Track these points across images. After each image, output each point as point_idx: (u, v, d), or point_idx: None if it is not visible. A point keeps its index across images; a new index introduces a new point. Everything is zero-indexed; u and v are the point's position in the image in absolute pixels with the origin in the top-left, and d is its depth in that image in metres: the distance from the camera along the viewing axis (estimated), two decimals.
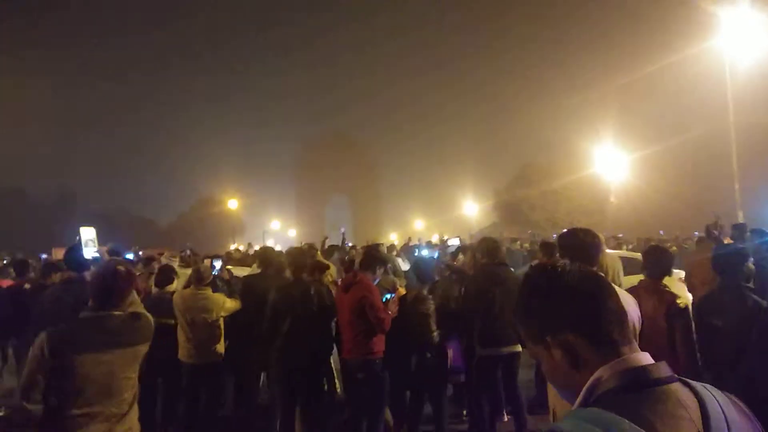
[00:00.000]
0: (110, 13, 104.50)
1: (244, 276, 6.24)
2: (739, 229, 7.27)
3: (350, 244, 10.83)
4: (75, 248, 5.25)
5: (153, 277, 5.66)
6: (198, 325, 5.03)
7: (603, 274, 3.15)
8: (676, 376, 1.01)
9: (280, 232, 61.07)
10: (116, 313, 2.62)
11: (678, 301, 3.42)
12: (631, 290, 3.42)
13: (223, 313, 5.20)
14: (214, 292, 5.29)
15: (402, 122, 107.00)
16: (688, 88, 29.69)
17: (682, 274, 6.38)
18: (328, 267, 5.43)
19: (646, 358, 1.03)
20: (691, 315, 3.39)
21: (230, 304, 5.28)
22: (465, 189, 57.13)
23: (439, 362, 4.75)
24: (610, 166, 32.57)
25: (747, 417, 1.03)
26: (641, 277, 3.74)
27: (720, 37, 18.41)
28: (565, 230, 3.09)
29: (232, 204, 44.96)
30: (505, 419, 5.35)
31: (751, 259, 3.43)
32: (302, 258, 5.04)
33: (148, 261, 6.90)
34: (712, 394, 1.00)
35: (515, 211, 45.43)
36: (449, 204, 60.57)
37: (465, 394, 5.47)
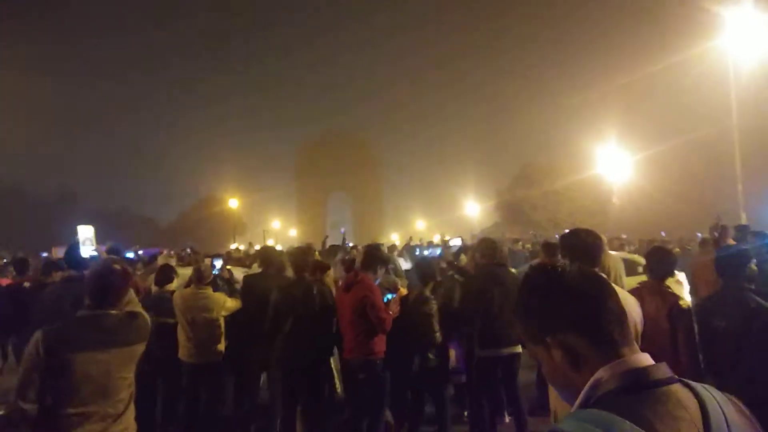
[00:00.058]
0: (111, 13, 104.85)
1: (245, 275, 6.23)
2: (741, 231, 7.25)
3: (351, 244, 10.81)
4: (75, 247, 5.25)
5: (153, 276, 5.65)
6: (198, 324, 5.02)
7: (605, 275, 3.14)
8: (676, 377, 1.00)
9: (281, 231, 61.12)
10: (113, 312, 2.60)
11: (680, 302, 3.41)
12: (634, 291, 3.41)
13: (223, 313, 5.19)
14: (214, 291, 5.28)
15: (403, 122, 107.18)
16: (691, 88, 29.60)
17: (680, 275, 6.37)
18: (329, 267, 5.41)
19: (646, 359, 1.02)
20: (693, 316, 3.38)
21: (231, 304, 5.27)
22: (466, 189, 57.11)
23: (440, 363, 4.74)
24: (612, 166, 32.50)
25: (746, 418, 1.03)
26: (639, 278, 3.72)
27: (724, 38, 18.33)
28: (567, 231, 3.07)
29: (233, 203, 44.91)
30: (506, 420, 5.33)
31: (754, 260, 3.41)
32: (304, 257, 5.03)
33: (150, 260, 6.90)
34: (712, 395, 1.00)
35: (517, 211, 45.38)
36: (451, 204, 60.58)
37: (466, 394, 5.45)
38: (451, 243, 12.93)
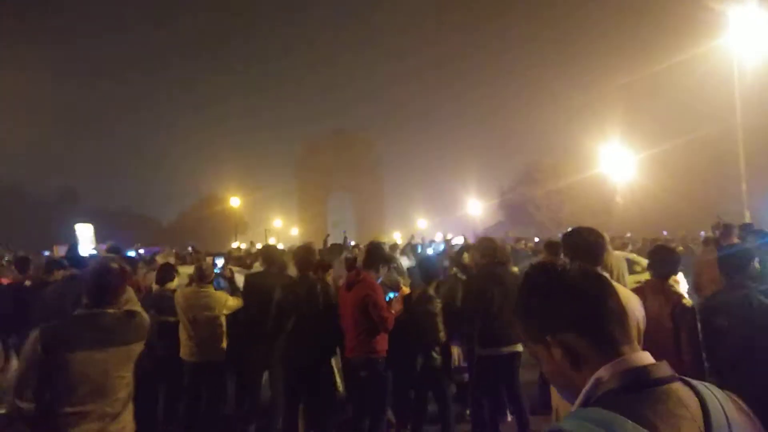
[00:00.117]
0: (111, 12, 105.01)
1: (248, 274, 6.23)
2: (746, 230, 7.22)
3: (353, 243, 10.80)
4: (77, 245, 5.25)
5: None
6: (200, 323, 5.02)
7: (607, 274, 3.11)
8: (676, 375, 1.00)
9: (283, 230, 61.14)
10: (110, 311, 2.59)
11: (683, 300, 3.40)
12: (637, 290, 3.41)
13: (225, 312, 5.18)
14: (216, 290, 5.28)
15: (405, 120, 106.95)
16: (695, 87, 29.45)
17: (678, 274, 6.35)
18: (330, 266, 5.41)
19: (646, 358, 1.02)
20: (696, 315, 3.37)
21: (232, 302, 5.27)
22: (469, 187, 56.97)
23: (444, 362, 4.73)
24: (616, 165, 32.42)
25: (747, 415, 1.03)
26: (636, 277, 3.71)
27: (728, 36, 18.25)
28: (569, 229, 3.05)
29: (234, 202, 44.88)
30: (508, 419, 5.31)
31: (757, 259, 3.39)
32: (308, 256, 5.01)
33: (151, 259, 6.90)
34: (712, 393, 1.00)
35: (520, 210, 45.36)
36: (453, 203, 60.50)
37: (468, 393, 5.44)
38: (453, 242, 12.91)
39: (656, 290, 3.50)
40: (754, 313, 3.11)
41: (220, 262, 6.26)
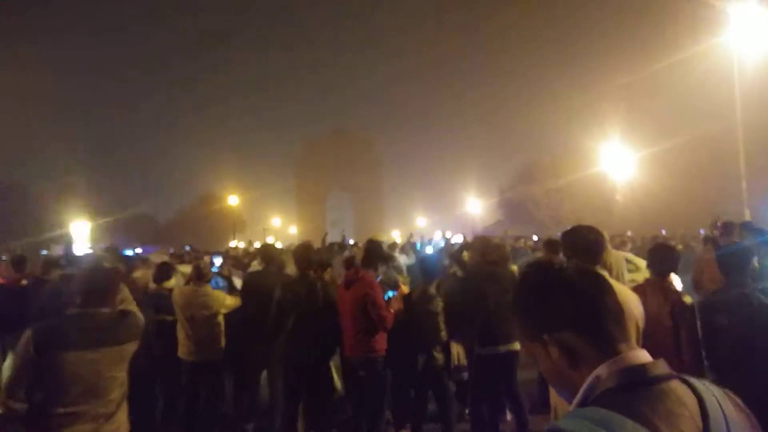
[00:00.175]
0: (111, 11, 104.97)
1: (247, 273, 6.21)
2: (745, 228, 7.21)
3: (352, 242, 10.79)
4: (72, 244, 5.22)
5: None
6: (198, 322, 5.00)
7: (606, 273, 3.09)
8: (674, 373, 1.00)
9: (281, 228, 61.11)
10: (103, 310, 2.57)
11: (684, 299, 3.39)
12: (637, 288, 3.40)
13: (223, 310, 5.16)
14: (213, 289, 5.26)
15: (405, 119, 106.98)
16: (695, 85, 29.43)
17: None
18: (329, 264, 5.39)
19: (644, 356, 1.02)
20: (696, 313, 3.35)
21: (230, 301, 5.26)
22: (468, 186, 56.94)
23: (445, 361, 4.71)
24: (615, 163, 32.40)
25: (744, 413, 1.03)
26: (634, 276, 3.69)
27: (728, 34, 18.22)
28: (568, 228, 3.03)
29: (233, 200, 44.78)
30: (508, 418, 5.30)
31: (756, 257, 3.38)
32: (308, 254, 4.98)
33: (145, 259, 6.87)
34: (710, 391, 1.00)
35: (520, 208, 45.31)
36: (453, 201, 60.50)
37: (468, 392, 5.42)
38: (453, 241, 12.91)
39: (656, 288, 3.49)
40: (753, 312, 3.10)
41: (218, 261, 6.24)
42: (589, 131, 36.38)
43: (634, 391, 0.95)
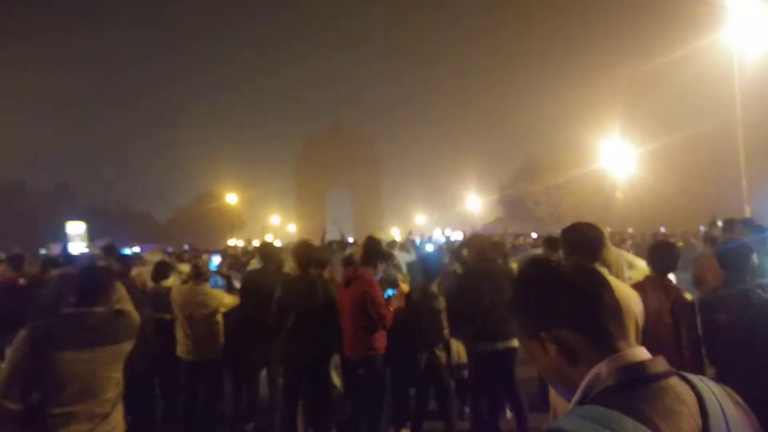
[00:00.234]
0: (110, 10, 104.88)
1: (246, 271, 6.19)
2: (746, 225, 7.20)
3: (351, 240, 10.77)
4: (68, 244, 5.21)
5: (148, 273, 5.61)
6: (196, 320, 4.99)
7: (606, 270, 3.06)
8: (673, 370, 0.99)
9: (280, 227, 61.10)
10: (98, 310, 2.55)
11: (684, 295, 3.38)
12: (637, 285, 3.40)
13: (222, 309, 5.15)
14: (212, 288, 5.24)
15: (404, 116, 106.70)
16: (695, 82, 29.43)
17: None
18: (327, 262, 5.37)
19: (643, 353, 1.01)
20: (696, 310, 3.34)
21: (229, 300, 5.24)
22: (468, 183, 56.96)
23: (447, 359, 4.70)
24: (615, 160, 32.41)
25: (743, 409, 1.03)
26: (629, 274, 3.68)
27: (728, 31, 18.19)
28: (568, 225, 3.01)
29: (231, 198, 44.79)
30: (508, 416, 5.29)
31: (755, 253, 3.37)
32: (309, 252, 4.96)
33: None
34: (709, 388, 1.00)
35: (519, 206, 45.34)
36: (452, 198, 60.50)
37: (467, 390, 5.41)
38: (453, 238, 12.92)
39: (656, 286, 3.48)
40: (753, 309, 3.10)
41: (216, 259, 6.22)
42: (589, 128, 36.37)
43: (633, 389, 0.94)
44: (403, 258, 7.81)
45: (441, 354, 4.67)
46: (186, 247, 8.53)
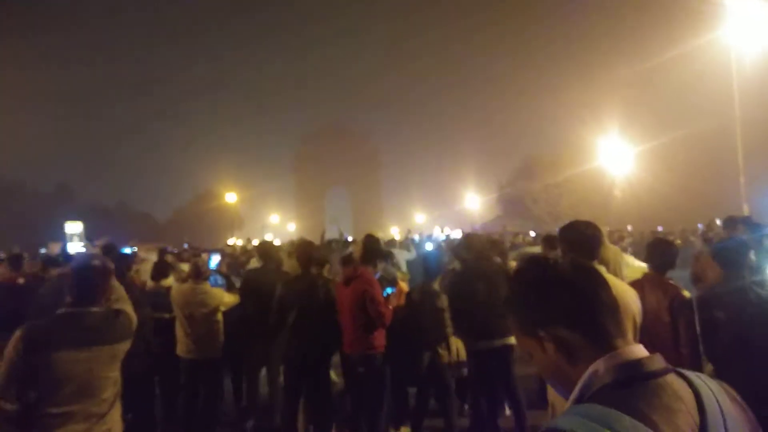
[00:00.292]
0: (111, 9, 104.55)
1: (246, 270, 6.19)
2: (744, 223, 7.21)
3: (350, 238, 10.77)
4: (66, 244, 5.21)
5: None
6: (196, 319, 4.99)
7: (604, 268, 3.07)
8: (670, 367, 0.99)
9: (280, 225, 61.03)
10: (94, 309, 2.54)
11: (682, 293, 3.38)
12: (635, 283, 3.39)
13: (222, 308, 5.15)
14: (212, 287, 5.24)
15: (403, 114, 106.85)
16: (693, 80, 29.45)
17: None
18: (327, 261, 5.37)
19: (640, 351, 1.01)
20: (694, 308, 3.35)
21: (229, 299, 5.24)
22: (467, 182, 56.99)
23: (448, 357, 4.71)
24: (614, 158, 32.38)
25: (740, 406, 1.03)
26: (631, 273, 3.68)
27: (726, 29, 18.19)
28: (566, 223, 3.02)
29: (231, 198, 44.62)
30: (507, 413, 5.30)
31: (752, 251, 3.37)
32: (310, 251, 4.96)
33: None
34: (706, 384, 1.00)
35: (518, 204, 45.31)
36: (451, 197, 60.50)
37: (467, 388, 5.42)
38: (452, 237, 12.92)
39: (654, 284, 3.49)
40: (751, 307, 3.10)
41: (215, 258, 6.23)
42: (588, 126, 36.34)
43: (631, 386, 0.94)
44: (403, 256, 7.81)
45: (443, 353, 4.67)
46: (185, 246, 8.51)
